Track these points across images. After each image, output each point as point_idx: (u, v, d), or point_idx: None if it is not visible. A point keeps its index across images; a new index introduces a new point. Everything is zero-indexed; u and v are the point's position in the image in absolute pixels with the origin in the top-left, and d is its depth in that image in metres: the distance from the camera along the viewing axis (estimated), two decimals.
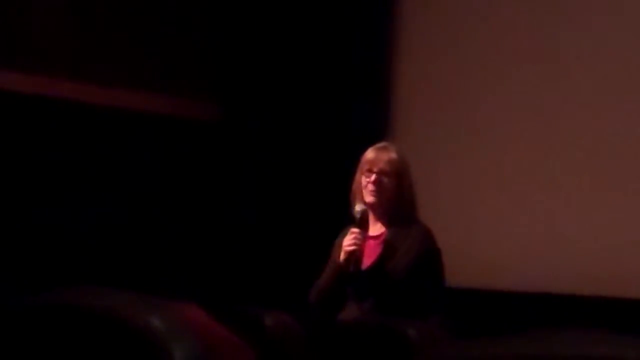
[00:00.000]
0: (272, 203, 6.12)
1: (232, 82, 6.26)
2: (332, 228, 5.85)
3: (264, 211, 6.10)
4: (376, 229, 3.93)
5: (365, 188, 3.91)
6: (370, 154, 3.99)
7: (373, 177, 3.89)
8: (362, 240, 3.83)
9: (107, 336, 1.28)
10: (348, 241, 3.84)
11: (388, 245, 3.86)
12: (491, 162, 5.62)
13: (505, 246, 5.44)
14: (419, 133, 5.86)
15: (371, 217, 3.93)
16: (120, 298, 1.33)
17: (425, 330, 2.96)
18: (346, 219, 5.49)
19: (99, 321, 1.29)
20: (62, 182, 5.74)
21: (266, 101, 6.19)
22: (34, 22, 5.67)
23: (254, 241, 6.10)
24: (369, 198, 3.88)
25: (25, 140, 5.64)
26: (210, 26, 6.27)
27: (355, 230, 3.85)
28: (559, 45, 5.44)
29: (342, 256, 3.85)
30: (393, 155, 3.96)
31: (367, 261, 3.87)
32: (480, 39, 5.73)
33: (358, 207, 3.90)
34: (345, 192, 5.62)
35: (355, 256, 3.84)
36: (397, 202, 3.89)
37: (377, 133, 5.97)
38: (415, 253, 3.82)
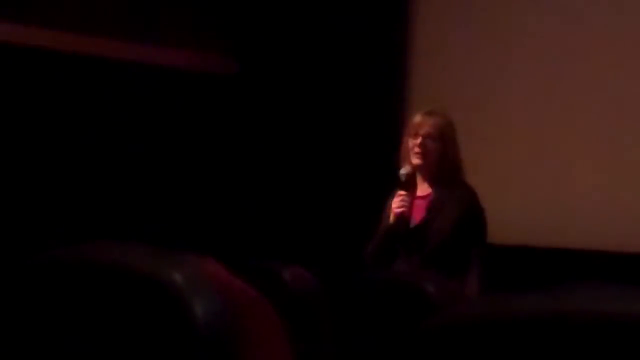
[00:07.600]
0: (288, 155, 6.14)
1: (249, 35, 6.25)
2: (346, 179, 5.86)
3: (279, 164, 6.12)
4: (423, 189, 4.23)
5: (412, 151, 4.17)
6: (417, 118, 4.23)
7: (419, 140, 4.15)
8: (408, 201, 4.14)
9: (125, 291, 1.28)
10: (396, 204, 4.15)
11: (434, 205, 4.16)
12: (510, 120, 5.62)
13: (517, 202, 5.45)
14: (437, 91, 5.85)
15: (418, 179, 4.23)
16: (138, 252, 1.33)
17: (444, 286, 2.97)
18: (358, 173, 5.46)
19: (117, 276, 1.29)
20: (82, 135, 5.77)
21: (282, 54, 6.19)
22: None
23: (269, 195, 6.12)
24: (415, 160, 4.16)
25: (47, 95, 5.66)
26: None
27: (402, 192, 4.17)
28: (581, 6, 5.42)
29: (391, 218, 4.16)
30: (438, 119, 4.19)
31: (414, 220, 4.18)
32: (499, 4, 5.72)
33: (403, 170, 4.19)
34: (357, 144, 5.61)
35: (403, 217, 4.12)
36: (442, 164, 4.17)
37: (393, 88, 5.97)
38: (458, 213, 4.09)
